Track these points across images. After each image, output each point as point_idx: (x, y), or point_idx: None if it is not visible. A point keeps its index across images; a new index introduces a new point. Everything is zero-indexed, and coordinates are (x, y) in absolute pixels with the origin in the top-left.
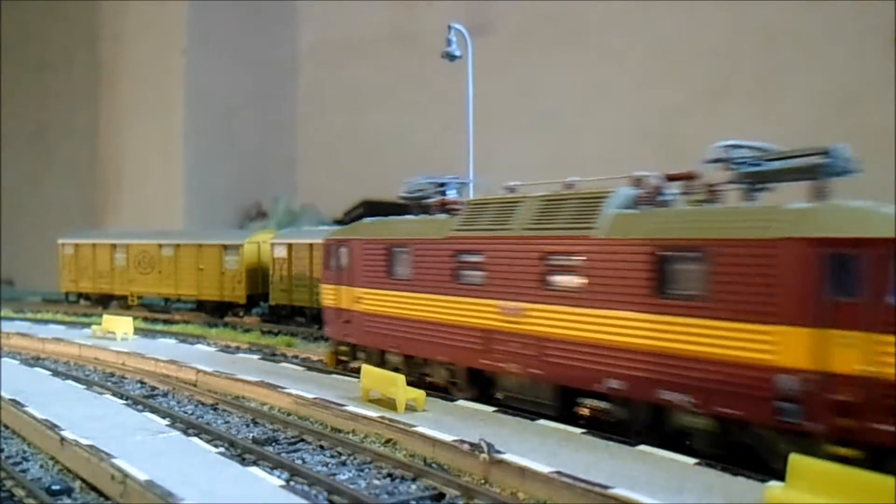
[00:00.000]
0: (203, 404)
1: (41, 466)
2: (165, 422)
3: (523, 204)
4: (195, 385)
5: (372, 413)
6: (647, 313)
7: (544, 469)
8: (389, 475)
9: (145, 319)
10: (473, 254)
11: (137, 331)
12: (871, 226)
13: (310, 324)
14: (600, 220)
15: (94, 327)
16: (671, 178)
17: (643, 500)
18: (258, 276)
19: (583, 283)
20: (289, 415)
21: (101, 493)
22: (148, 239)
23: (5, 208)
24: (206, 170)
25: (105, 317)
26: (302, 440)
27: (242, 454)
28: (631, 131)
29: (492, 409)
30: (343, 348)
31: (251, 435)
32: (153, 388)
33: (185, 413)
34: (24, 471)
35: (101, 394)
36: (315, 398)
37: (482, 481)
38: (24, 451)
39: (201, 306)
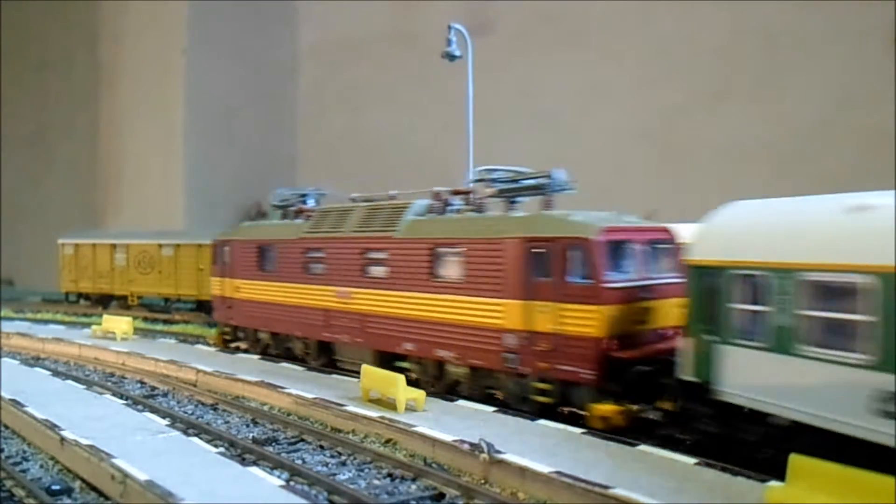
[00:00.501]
0: (203, 404)
1: (41, 466)
2: (165, 422)
3: (353, 212)
4: (195, 385)
5: (372, 413)
6: (426, 293)
7: (544, 469)
8: (389, 475)
9: (145, 319)
10: (318, 251)
11: (137, 331)
12: (559, 228)
13: None
14: (400, 224)
15: (94, 327)
16: (455, 193)
17: (643, 500)
18: None
19: (388, 271)
20: (289, 415)
21: (101, 493)
22: (148, 239)
23: (5, 208)
24: (206, 170)
25: (105, 317)
26: (302, 440)
27: (242, 454)
28: (631, 131)
29: (492, 409)
30: (227, 329)
31: (251, 435)
32: (153, 388)
33: (185, 413)
34: (24, 471)
35: (101, 394)
36: (315, 398)
37: (482, 481)
38: (24, 451)
39: (201, 306)
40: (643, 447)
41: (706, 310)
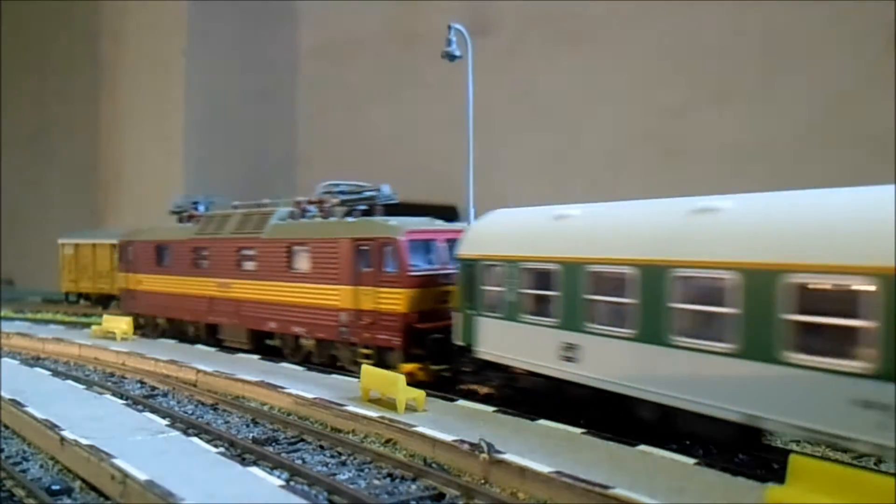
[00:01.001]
0: (203, 404)
1: (41, 466)
2: (165, 422)
3: (232, 217)
4: (195, 385)
5: (372, 413)
6: (284, 282)
7: (544, 469)
8: (389, 475)
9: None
10: (204, 249)
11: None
12: (376, 231)
13: None
14: (266, 227)
15: (93, 327)
16: (310, 202)
17: (643, 500)
18: None
19: (256, 265)
20: (289, 415)
21: (101, 493)
22: None
23: (5, 208)
24: (205, 170)
25: (105, 317)
26: (302, 440)
27: (242, 454)
28: (631, 131)
29: (492, 409)
30: (130, 317)
31: (251, 435)
32: (153, 388)
33: (185, 413)
34: (24, 471)
35: (101, 394)
36: (315, 398)
37: (482, 481)
38: (24, 451)
39: None
40: (643, 447)
41: (468, 291)
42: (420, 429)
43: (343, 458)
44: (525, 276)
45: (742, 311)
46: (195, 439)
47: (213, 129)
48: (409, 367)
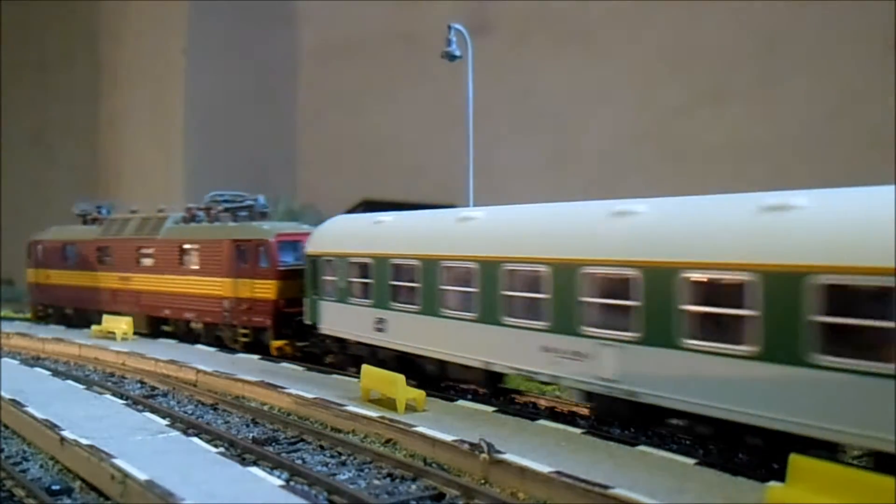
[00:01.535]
0: (203, 404)
1: (41, 466)
2: (165, 422)
3: (132, 220)
4: (195, 385)
5: (372, 413)
6: (177, 275)
7: (544, 469)
8: (389, 475)
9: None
10: (107, 247)
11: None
12: (252, 234)
13: None
14: (161, 229)
15: (93, 327)
16: (199, 209)
17: (643, 500)
18: None
19: (153, 262)
20: (289, 415)
21: (101, 493)
22: None
23: (5, 208)
24: (205, 170)
25: (105, 317)
26: (302, 440)
27: (242, 454)
28: (631, 131)
29: (492, 409)
30: (39, 308)
31: (251, 435)
32: (153, 388)
33: (185, 413)
34: (24, 471)
35: (101, 394)
36: (315, 398)
37: (482, 481)
38: (24, 451)
39: None
40: (643, 447)
41: (312, 281)
42: (420, 429)
43: (343, 458)
44: (351, 268)
45: (479, 290)
46: (195, 439)
47: (212, 128)
48: (279, 343)
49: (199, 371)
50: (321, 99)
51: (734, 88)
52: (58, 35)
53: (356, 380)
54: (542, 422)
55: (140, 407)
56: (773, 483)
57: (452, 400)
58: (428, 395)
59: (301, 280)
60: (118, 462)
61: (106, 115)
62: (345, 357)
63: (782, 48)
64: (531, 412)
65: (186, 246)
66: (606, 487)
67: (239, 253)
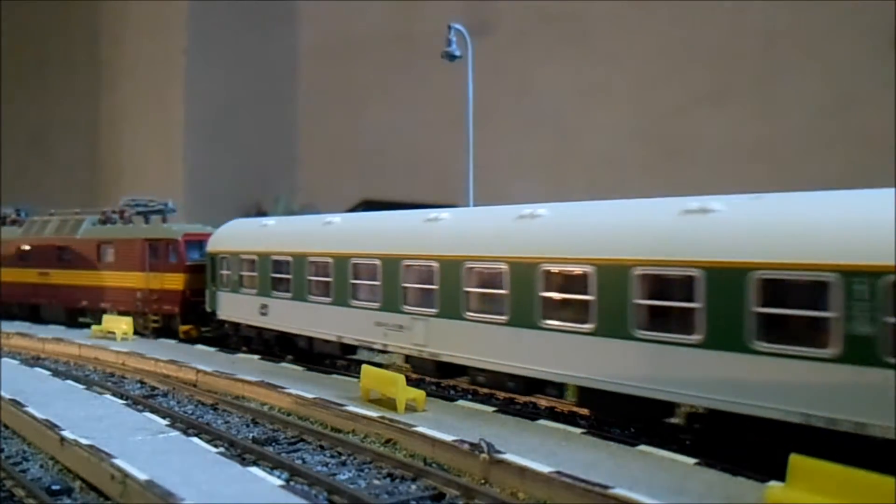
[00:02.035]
0: (203, 404)
1: (41, 466)
2: (165, 422)
3: (51, 221)
4: (195, 385)
5: (372, 413)
6: (95, 270)
7: (544, 469)
8: (389, 475)
9: None
10: (29, 246)
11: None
12: (163, 234)
13: None
14: (80, 230)
15: (94, 327)
16: (114, 213)
17: (643, 500)
18: None
19: (72, 259)
20: (289, 415)
21: (101, 493)
22: None
23: (5, 208)
24: (206, 170)
25: (105, 317)
26: (302, 440)
27: (242, 454)
28: (631, 131)
29: (492, 408)
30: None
31: (251, 435)
32: (153, 388)
33: (185, 413)
34: (24, 471)
35: (101, 394)
36: (315, 398)
37: (482, 481)
38: (24, 451)
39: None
40: (643, 447)
41: (212, 274)
42: (420, 429)
43: (343, 458)
44: (242, 264)
45: (334, 280)
46: (195, 439)
47: (213, 128)
48: (186, 327)
49: (199, 371)
50: (321, 99)
51: (734, 88)
52: (58, 35)
53: (356, 380)
54: (542, 422)
55: (140, 407)
56: (773, 483)
57: (452, 400)
58: (428, 395)
59: (204, 274)
60: (118, 462)
61: (106, 115)
62: (238, 338)
63: (782, 48)
64: (531, 412)
65: (103, 245)
66: (606, 487)
67: (152, 250)
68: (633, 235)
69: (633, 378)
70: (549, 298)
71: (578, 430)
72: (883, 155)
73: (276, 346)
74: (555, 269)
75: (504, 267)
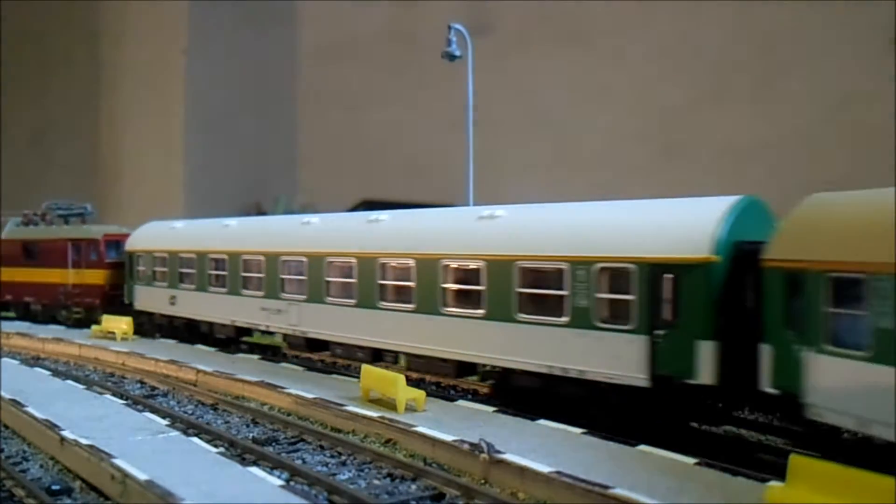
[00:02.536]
0: (203, 404)
1: (41, 466)
2: (165, 422)
3: (11, 223)
4: (195, 385)
5: (372, 413)
6: (20, 267)
7: (544, 469)
8: (389, 475)
9: None
10: None
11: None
12: (84, 234)
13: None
14: (3, 231)
15: (93, 327)
16: (35, 215)
17: (643, 500)
18: None
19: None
20: (289, 415)
21: (101, 493)
22: None
23: (5, 208)
24: (206, 170)
25: (105, 317)
26: (302, 440)
27: (242, 454)
28: (631, 131)
29: (492, 409)
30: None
31: (251, 435)
32: (153, 388)
33: (185, 413)
34: (24, 471)
35: (101, 394)
36: (315, 398)
37: (482, 481)
38: (24, 451)
39: None
40: (643, 447)
41: (129, 270)
42: (420, 429)
43: (343, 458)
44: (155, 261)
45: (227, 273)
46: (195, 439)
47: (212, 128)
48: (107, 318)
49: (199, 371)
50: (321, 99)
51: (734, 88)
52: (58, 35)
53: (356, 380)
54: (542, 422)
55: (140, 407)
56: (772, 483)
57: (452, 400)
58: (428, 395)
59: (122, 270)
60: (118, 462)
61: (106, 115)
62: (152, 325)
63: (782, 48)
64: (531, 412)
65: (28, 245)
66: (606, 487)
67: (74, 249)
68: (443, 236)
69: (442, 344)
70: (385, 285)
71: (578, 430)
72: (883, 155)
73: (185, 331)
74: (391, 262)
75: (353, 261)
